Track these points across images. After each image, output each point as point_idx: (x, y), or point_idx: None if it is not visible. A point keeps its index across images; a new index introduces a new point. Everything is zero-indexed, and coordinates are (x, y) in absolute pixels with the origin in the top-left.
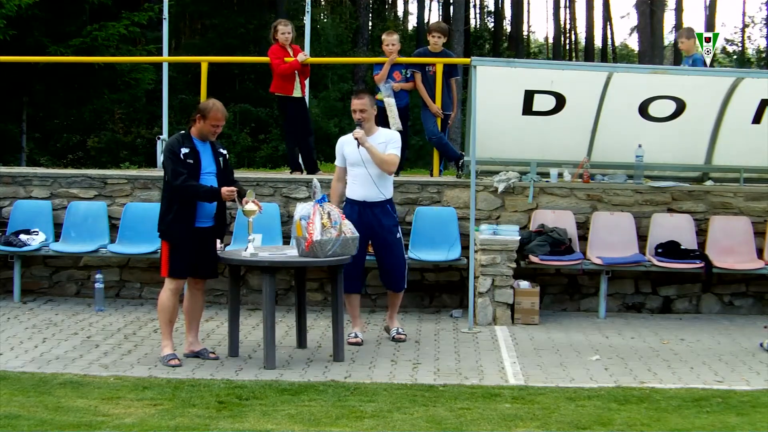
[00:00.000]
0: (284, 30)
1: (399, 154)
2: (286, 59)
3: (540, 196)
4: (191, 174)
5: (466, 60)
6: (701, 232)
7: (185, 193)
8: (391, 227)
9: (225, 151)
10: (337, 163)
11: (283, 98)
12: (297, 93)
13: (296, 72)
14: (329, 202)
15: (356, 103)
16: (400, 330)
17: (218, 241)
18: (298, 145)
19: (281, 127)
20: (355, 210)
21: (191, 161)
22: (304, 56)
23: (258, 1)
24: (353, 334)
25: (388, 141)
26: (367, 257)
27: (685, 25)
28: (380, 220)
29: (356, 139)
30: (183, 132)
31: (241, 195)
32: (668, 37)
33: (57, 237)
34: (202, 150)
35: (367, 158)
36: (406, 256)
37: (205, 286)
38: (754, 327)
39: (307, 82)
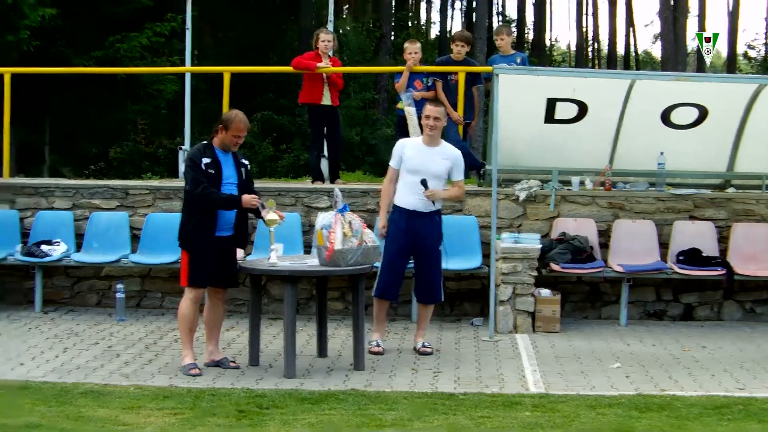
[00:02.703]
0: (325, 38)
1: (463, 177)
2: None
3: (561, 204)
4: (212, 184)
5: (489, 68)
6: (723, 240)
7: (205, 201)
8: (436, 238)
9: (247, 162)
10: (392, 164)
11: (312, 107)
12: (326, 101)
13: (325, 82)
14: (351, 212)
15: (432, 110)
16: (426, 344)
17: (239, 250)
18: (328, 153)
19: (308, 136)
20: (403, 217)
21: (212, 171)
22: (325, 65)
23: (279, 11)
24: (375, 343)
25: (454, 163)
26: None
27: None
28: (427, 230)
29: (428, 198)
30: (205, 142)
31: (261, 206)
32: (691, 44)
33: (78, 247)
34: (224, 160)
35: (430, 173)
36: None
37: (225, 295)
38: None
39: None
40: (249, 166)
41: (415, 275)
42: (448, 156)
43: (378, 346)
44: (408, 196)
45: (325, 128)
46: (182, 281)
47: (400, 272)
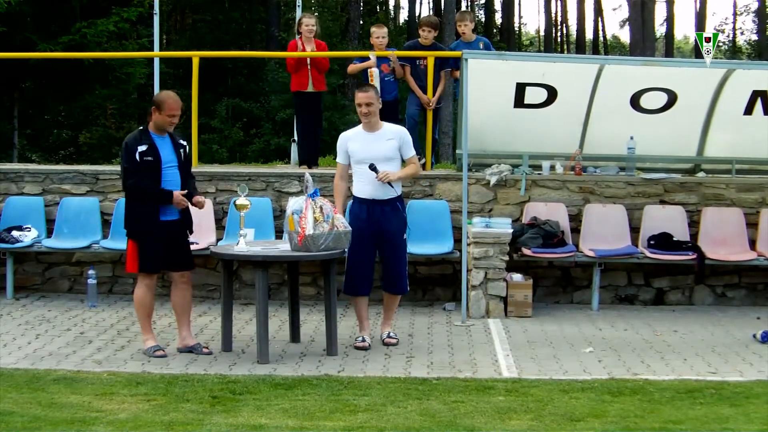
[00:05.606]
0: (307, 23)
1: (415, 152)
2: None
3: (532, 189)
4: (152, 170)
5: (458, 53)
6: (694, 224)
7: (135, 194)
8: (399, 228)
9: (185, 143)
10: (339, 160)
11: (299, 94)
12: (310, 88)
13: (308, 67)
14: (321, 197)
15: (361, 97)
16: (391, 334)
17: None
18: (312, 139)
19: (295, 123)
20: (363, 209)
21: (151, 158)
22: (310, 49)
23: None
24: (361, 339)
25: (401, 141)
26: None
27: (675, 17)
28: (389, 220)
29: (382, 181)
30: (141, 128)
31: (190, 197)
32: (660, 29)
33: (49, 233)
34: (161, 144)
35: (380, 157)
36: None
37: (189, 278)
38: (747, 318)
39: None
40: (188, 148)
41: (381, 266)
42: (393, 135)
43: (364, 341)
44: (364, 185)
45: (310, 114)
46: (128, 268)
47: (369, 266)
